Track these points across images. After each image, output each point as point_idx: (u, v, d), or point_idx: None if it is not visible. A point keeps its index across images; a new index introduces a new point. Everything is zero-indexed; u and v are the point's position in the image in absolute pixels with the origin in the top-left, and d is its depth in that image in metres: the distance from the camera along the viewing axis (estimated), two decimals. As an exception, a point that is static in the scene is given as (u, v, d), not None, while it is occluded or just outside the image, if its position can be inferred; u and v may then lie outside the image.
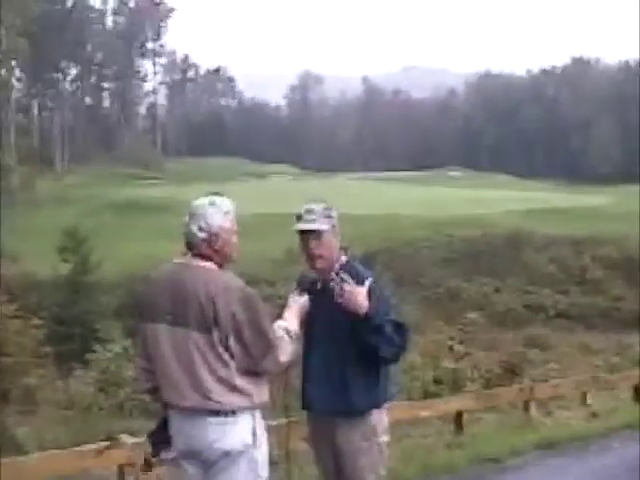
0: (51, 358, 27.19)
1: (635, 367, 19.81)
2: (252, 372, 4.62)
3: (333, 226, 5.21)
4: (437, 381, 16.93)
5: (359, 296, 4.95)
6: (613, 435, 12.13)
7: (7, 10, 64.07)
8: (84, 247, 43.02)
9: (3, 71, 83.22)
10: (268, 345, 4.61)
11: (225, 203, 4.78)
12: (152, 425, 4.96)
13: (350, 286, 4.96)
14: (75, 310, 39.85)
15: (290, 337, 4.78)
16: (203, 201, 4.75)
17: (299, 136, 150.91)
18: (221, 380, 4.53)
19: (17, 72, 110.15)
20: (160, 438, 4.80)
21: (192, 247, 4.69)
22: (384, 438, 5.23)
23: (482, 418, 13.88)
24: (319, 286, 5.23)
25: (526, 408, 13.64)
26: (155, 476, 5.93)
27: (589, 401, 15.16)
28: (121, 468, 7.65)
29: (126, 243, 53.29)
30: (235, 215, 4.81)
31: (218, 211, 4.72)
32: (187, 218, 4.71)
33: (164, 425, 4.79)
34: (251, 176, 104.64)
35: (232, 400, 4.55)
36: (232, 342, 4.53)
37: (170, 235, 52.91)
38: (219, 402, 4.53)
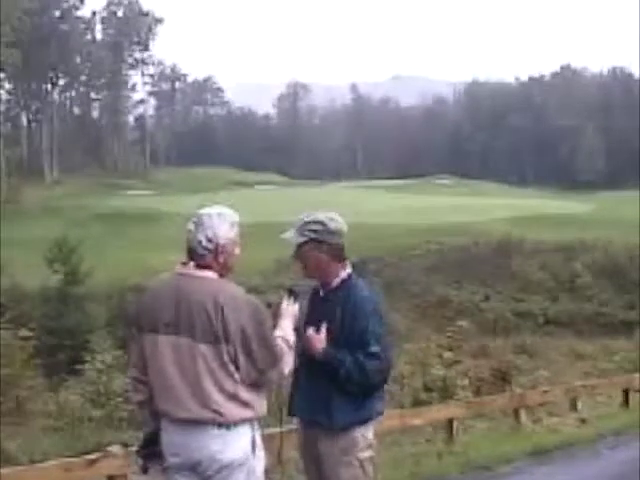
0: (41, 370, 27.10)
1: (622, 372, 19.88)
2: (254, 383, 4.60)
3: (313, 239, 5.17)
4: (427, 389, 16.92)
5: (316, 343, 5.02)
6: (602, 440, 12.17)
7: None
8: (73, 258, 42.94)
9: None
10: (274, 358, 4.61)
11: (231, 214, 4.75)
12: (141, 436, 4.94)
13: (311, 331, 5.03)
14: (65, 321, 39.75)
15: (289, 348, 4.77)
16: (210, 211, 4.71)
17: (288, 145, 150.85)
18: (226, 392, 4.50)
19: (6, 83, 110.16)
20: (150, 452, 4.75)
21: (196, 257, 4.65)
22: (367, 454, 5.16)
23: (473, 425, 13.91)
24: (320, 294, 5.28)
25: (516, 415, 13.67)
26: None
27: (579, 407, 15.20)
28: (111, 479, 7.64)
29: (115, 253, 53.22)
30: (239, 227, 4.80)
31: (225, 222, 4.69)
32: (192, 227, 4.65)
33: (154, 439, 4.73)
34: (240, 185, 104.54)
35: (236, 412, 4.53)
36: (240, 355, 4.51)
37: (160, 245, 53.24)
38: (223, 414, 4.49)
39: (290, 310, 5.06)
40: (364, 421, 5.14)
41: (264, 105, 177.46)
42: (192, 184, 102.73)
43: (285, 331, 4.89)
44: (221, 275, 4.68)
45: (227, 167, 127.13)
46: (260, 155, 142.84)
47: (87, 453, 7.90)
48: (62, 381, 25.38)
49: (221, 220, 4.69)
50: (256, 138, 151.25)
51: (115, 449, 7.74)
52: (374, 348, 4.97)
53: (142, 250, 53.51)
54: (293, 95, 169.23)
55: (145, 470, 4.81)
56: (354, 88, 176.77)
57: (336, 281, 5.21)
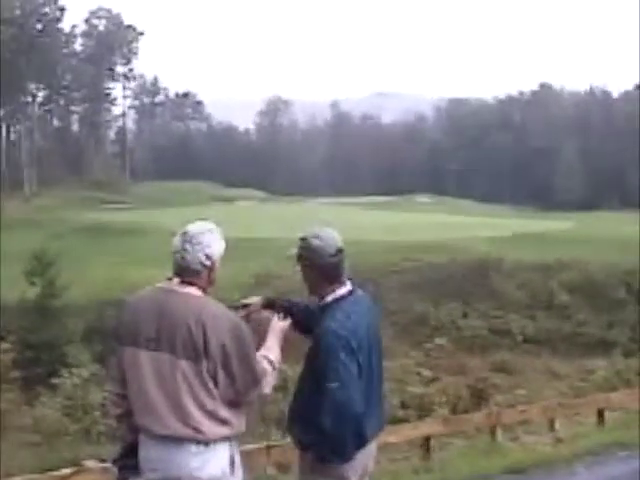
0: (18, 383, 26.99)
1: (599, 392, 19.95)
2: (234, 401, 4.62)
3: (300, 256, 5.11)
4: (405, 406, 16.93)
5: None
6: (578, 460, 12.19)
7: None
8: (51, 271, 42.71)
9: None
10: (254, 379, 4.62)
11: (219, 230, 4.79)
12: (112, 453, 4.94)
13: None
14: (42, 334, 39.48)
15: (273, 368, 4.78)
16: (202, 228, 4.74)
17: (268, 160, 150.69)
18: (205, 410, 4.51)
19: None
20: (127, 463, 4.75)
21: (189, 274, 4.65)
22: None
23: (449, 443, 13.93)
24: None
25: (493, 433, 13.70)
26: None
27: (557, 426, 15.24)
28: (88, 493, 7.61)
29: (94, 267, 52.97)
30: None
31: (217, 239, 4.75)
32: (188, 246, 4.65)
33: (131, 451, 4.72)
34: (220, 200, 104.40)
35: (215, 430, 4.54)
36: (220, 374, 4.52)
37: (139, 259, 53.10)
38: (202, 431, 4.50)
39: (279, 327, 5.08)
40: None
41: (245, 120, 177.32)
42: (172, 198, 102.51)
43: (270, 350, 4.90)
44: (205, 291, 4.69)
45: (207, 182, 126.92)
46: (240, 170, 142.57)
47: (64, 468, 7.85)
48: (39, 395, 25.28)
49: (215, 237, 4.75)
50: (236, 153, 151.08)
51: (91, 464, 7.71)
52: (331, 384, 4.78)
53: (121, 264, 53.27)
54: (273, 111, 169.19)
55: None
56: (335, 105, 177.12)
57: (326, 300, 5.10)
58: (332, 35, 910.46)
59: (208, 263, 4.67)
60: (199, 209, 75.17)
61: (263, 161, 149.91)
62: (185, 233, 4.70)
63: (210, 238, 4.71)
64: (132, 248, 59.59)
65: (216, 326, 4.51)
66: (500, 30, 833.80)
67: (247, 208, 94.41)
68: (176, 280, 4.68)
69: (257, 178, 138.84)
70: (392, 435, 11.99)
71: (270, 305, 5.32)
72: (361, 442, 4.90)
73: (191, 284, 4.65)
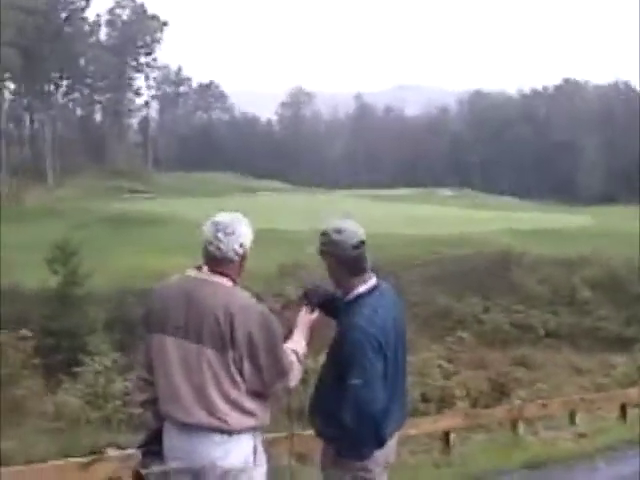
0: (39, 370, 27.10)
1: (619, 387, 19.84)
2: (259, 393, 4.61)
3: (322, 251, 5.05)
4: (425, 399, 16.88)
5: None
6: (600, 455, 12.11)
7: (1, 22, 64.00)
8: (73, 259, 42.87)
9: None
10: (281, 371, 4.62)
11: (247, 220, 4.79)
12: (138, 439, 4.93)
13: None
14: (64, 322, 39.67)
15: (299, 361, 4.78)
16: (233, 217, 4.74)
17: (290, 152, 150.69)
18: (230, 400, 4.51)
19: (10, 83, 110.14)
20: (151, 450, 4.75)
21: (223, 263, 4.66)
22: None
23: (470, 437, 13.86)
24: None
25: (514, 427, 13.62)
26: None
27: (578, 421, 15.16)
28: (110, 481, 7.60)
29: (116, 256, 53.09)
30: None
31: (248, 227, 4.75)
32: (221, 235, 4.64)
33: (156, 437, 4.73)
34: (242, 191, 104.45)
35: (239, 420, 4.53)
36: (246, 364, 4.52)
37: (161, 249, 53.19)
38: (226, 421, 4.50)
39: (306, 319, 5.08)
40: None
41: (267, 112, 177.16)
42: (194, 189, 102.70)
43: (297, 343, 4.91)
44: (235, 281, 4.70)
45: (229, 172, 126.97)
46: (262, 161, 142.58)
47: (83, 455, 7.85)
48: (60, 382, 25.36)
49: (245, 227, 4.74)
50: (259, 144, 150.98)
51: (111, 451, 7.70)
52: (355, 380, 4.75)
53: (143, 253, 53.37)
54: (296, 103, 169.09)
55: (144, 467, 4.79)
56: (358, 97, 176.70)
57: (352, 295, 5.03)
58: (356, 27, 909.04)
59: (241, 252, 4.68)
60: (221, 200, 75.13)
61: (285, 152, 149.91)
62: (218, 223, 4.68)
63: (244, 228, 4.71)
64: (154, 238, 59.74)
65: (244, 317, 4.51)
66: (526, 23, 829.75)
67: (269, 199, 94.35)
68: (206, 269, 4.68)
69: (279, 169, 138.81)
70: (413, 428, 11.94)
71: (305, 297, 5.26)
72: (380, 442, 4.87)
73: (222, 274, 4.65)
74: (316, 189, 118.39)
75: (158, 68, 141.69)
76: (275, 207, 76.59)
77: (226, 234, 4.63)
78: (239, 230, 4.67)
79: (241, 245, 4.66)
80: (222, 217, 4.72)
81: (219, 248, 4.63)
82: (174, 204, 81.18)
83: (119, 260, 51.93)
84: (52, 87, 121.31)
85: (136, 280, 43.55)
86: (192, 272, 4.72)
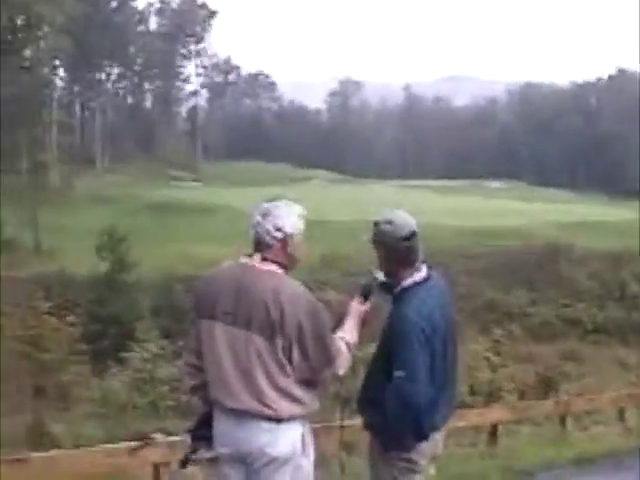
0: (87, 355, 27.34)
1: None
2: (307, 381, 4.62)
3: (374, 241, 5.05)
4: (473, 392, 16.81)
5: None
6: (648, 452, 11.96)
7: (50, 8, 64.47)
8: (122, 246, 43.20)
9: (46, 70, 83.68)
10: (329, 359, 4.61)
11: (298, 207, 4.78)
12: (186, 425, 4.95)
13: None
14: (111, 309, 40.00)
15: (349, 350, 4.76)
16: (277, 203, 4.74)
17: (338, 142, 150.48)
18: (278, 387, 4.51)
19: (60, 71, 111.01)
20: (200, 435, 4.78)
21: (263, 248, 4.66)
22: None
23: (517, 430, 13.78)
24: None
25: (562, 422, 13.50)
26: (189, 475, 5.92)
27: (627, 417, 15.00)
28: (156, 467, 7.64)
29: (163, 244, 53.44)
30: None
31: (293, 213, 4.72)
32: (260, 218, 4.66)
33: (205, 423, 4.76)
34: (290, 181, 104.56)
35: (287, 407, 4.53)
36: (295, 352, 4.52)
37: (208, 237, 53.43)
38: (274, 408, 4.51)
39: (357, 309, 5.03)
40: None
41: (315, 101, 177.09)
42: (242, 178, 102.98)
43: (347, 332, 4.87)
44: (285, 268, 4.68)
45: (277, 162, 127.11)
46: (310, 151, 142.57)
47: (130, 440, 7.89)
48: (107, 368, 25.56)
49: (289, 211, 4.72)
50: (307, 134, 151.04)
51: (159, 437, 7.74)
52: (399, 372, 4.74)
53: (190, 242, 53.69)
54: (344, 92, 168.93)
55: (193, 451, 4.83)
56: (407, 87, 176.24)
57: (401, 285, 5.03)
58: (406, 17, 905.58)
59: (279, 235, 4.64)
60: (268, 189, 75.18)
61: (334, 142, 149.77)
62: (259, 207, 4.72)
63: (283, 212, 4.69)
64: (201, 226, 60.07)
65: (293, 305, 4.49)
66: (579, 14, 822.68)
67: (316, 189, 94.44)
68: (257, 256, 4.67)
69: (327, 159, 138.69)
70: (460, 420, 11.89)
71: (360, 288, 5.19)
72: (421, 435, 4.85)
73: (271, 261, 4.64)
74: (364, 179, 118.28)
75: (207, 57, 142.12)
76: (322, 197, 76.56)
77: (264, 217, 4.65)
78: (277, 213, 4.66)
79: (278, 229, 4.63)
80: (266, 203, 4.74)
81: (257, 231, 4.66)
82: (221, 193, 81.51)
83: (166, 247, 52.26)
84: (102, 75, 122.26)
85: (182, 268, 43.83)
86: (243, 259, 4.72)
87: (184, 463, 4.88)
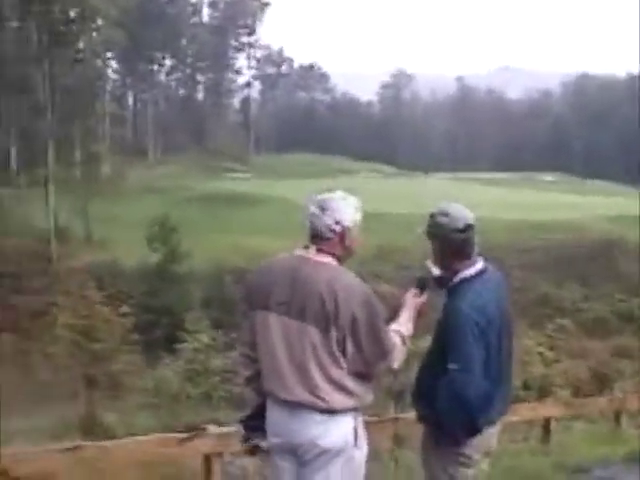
0: (139, 346, 27.54)
1: None
2: (360, 373, 4.60)
3: (428, 232, 5.04)
4: (526, 387, 16.70)
5: None
6: None
7: (103, 1, 65.15)
8: (173, 237, 43.48)
9: (99, 62, 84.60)
10: (383, 352, 4.60)
11: (354, 199, 4.77)
12: (239, 415, 4.97)
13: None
14: (162, 299, 40.31)
15: (404, 343, 4.75)
16: (334, 195, 4.73)
17: (390, 134, 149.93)
18: (331, 379, 4.51)
19: (113, 63, 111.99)
20: (253, 425, 4.82)
21: (321, 240, 4.65)
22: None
23: (570, 426, 13.65)
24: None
25: (616, 419, 13.36)
26: (239, 467, 5.92)
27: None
28: (207, 457, 7.66)
29: (214, 235, 53.65)
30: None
31: (350, 205, 4.72)
32: (318, 211, 4.65)
33: (259, 413, 4.78)
34: (342, 173, 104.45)
35: (340, 400, 4.53)
36: (348, 344, 4.50)
37: (259, 229, 53.59)
38: (326, 400, 4.50)
39: (413, 302, 5.01)
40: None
41: (367, 93, 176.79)
42: (294, 170, 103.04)
43: (402, 325, 4.86)
44: (340, 260, 4.68)
45: (329, 154, 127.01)
46: (362, 143, 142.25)
47: (183, 431, 7.92)
48: (159, 358, 25.73)
49: (346, 204, 4.71)
50: (359, 126, 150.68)
51: (212, 428, 7.76)
52: (453, 365, 4.72)
53: (241, 233, 53.86)
54: (396, 84, 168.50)
55: (246, 441, 4.88)
56: (459, 79, 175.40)
57: (457, 278, 5.00)
58: (459, 9, 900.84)
59: (337, 228, 4.63)
60: (320, 181, 75.13)
61: (385, 134, 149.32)
62: (316, 199, 4.72)
63: (340, 204, 4.68)
64: (252, 218, 60.24)
65: (348, 297, 4.48)
66: (634, 4, 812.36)
67: (368, 181, 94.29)
68: (313, 248, 4.67)
69: (379, 151, 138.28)
70: (512, 415, 11.77)
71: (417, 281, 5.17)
72: (474, 429, 4.81)
73: (327, 253, 4.64)
74: (415, 172, 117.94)
75: (260, 48, 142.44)
76: (374, 189, 76.36)
77: (322, 209, 4.64)
78: (335, 206, 4.66)
79: (337, 222, 4.63)
80: (323, 195, 4.74)
81: (313, 223, 4.65)
82: (273, 185, 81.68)
83: (216, 239, 52.48)
84: (155, 67, 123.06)
85: (233, 259, 44.02)
86: (298, 251, 4.72)
87: (252, 452, 4.91)
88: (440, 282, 5.10)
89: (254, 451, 4.88)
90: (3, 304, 38.93)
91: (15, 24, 72.47)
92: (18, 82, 63.39)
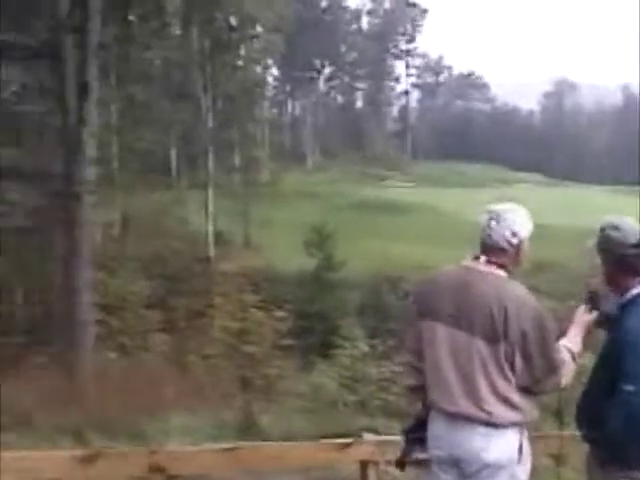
0: (293, 351, 27.78)
1: None
2: (528, 389, 4.53)
3: (599, 248, 4.83)
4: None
5: None
6: None
7: (263, 8, 66.38)
8: (329, 243, 43.74)
9: (258, 68, 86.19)
10: (552, 368, 4.53)
11: (526, 211, 4.73)
12: (401, 425, 4.95)
13: None
14: (318, 305, 40.55)
15: (573, 360, 4.68)
16: (508, 206, 4.71)
17: (550, 144, 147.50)
18: (498, 393, 4.45)
19: (273, 70, 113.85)
20: (415, 437, 4.77)
21: (496, 252, 4.62)
22: None
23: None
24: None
25: None
26: (392, 476, 5.90)
27: None
28: (364, 465, 7.64)
29: (370, 242, 53.83)
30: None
31: (523, 218, 4.69)
32: (493, 223, 4.61)
33: (421, 424, 4.74)
34: (499, 183, 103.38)
35: (505, 414, 4.47)
36: (517, 358, 4.44)
37: (414, 238, 53.48)
38: (492, 414, 4.45)
39: (583, 318, 4.90)
40: None
41: (529, 103, 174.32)
42: (451, 179, 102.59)
43: (571, 340, 4.77)
44: (509, 272, 4.61)
45: (487, 164, 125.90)
46: (522, 153, 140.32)
47: (339, 437, 7.94)
48: (313, 364, 25.90)
49: (522, 216, 4.68)
50: (519, 136, 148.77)
51: (369, 436, 7.75)
52: (628, 387, 4.44)
53: (397, 241, 53.85)
54: (559, 93, 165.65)
55: (407, 453, 4.84)
56: (625, 88, 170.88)
57: (628, 295, 4.76)
58: (623, 15, 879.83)
59: (514, 241, 4.61)
60: (476, 191, 74.68)
61: (545, 145, 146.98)
62: (491, 211, 4.69)
63: (516, 216, 4.66)
64: (407, 226, 60.23)
65: (518, 310, 4.43)
66: None
67: (525, 192, 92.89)
68: (483, 259, 4.63)
69: (538, 162, 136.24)
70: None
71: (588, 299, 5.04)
72: None
73: (497, 264, 4.59)
74: (575, 183, 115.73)
75: (418, 56, 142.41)
76: (530, 200, 75.07)
77: (498, 222, 4.60)
78: (511, 218, 4.61)
79: (514, 234, 4.59)
80: (497, 206, 4.69)
81: (490, 236, 4.60)
82: (429, 193, 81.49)
83: (372, 246, 52.61)
84: (314, 74, 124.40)
85: (388, 267, 43.93)
86: (468, 262, 4.66)
87: (401, 465, 4.88)
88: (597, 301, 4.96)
89: (403, 465, 4.85)
90: (162, 305, 39.92)
91: (178, 31, 74.63)
92: (180, 88, 65.02)
